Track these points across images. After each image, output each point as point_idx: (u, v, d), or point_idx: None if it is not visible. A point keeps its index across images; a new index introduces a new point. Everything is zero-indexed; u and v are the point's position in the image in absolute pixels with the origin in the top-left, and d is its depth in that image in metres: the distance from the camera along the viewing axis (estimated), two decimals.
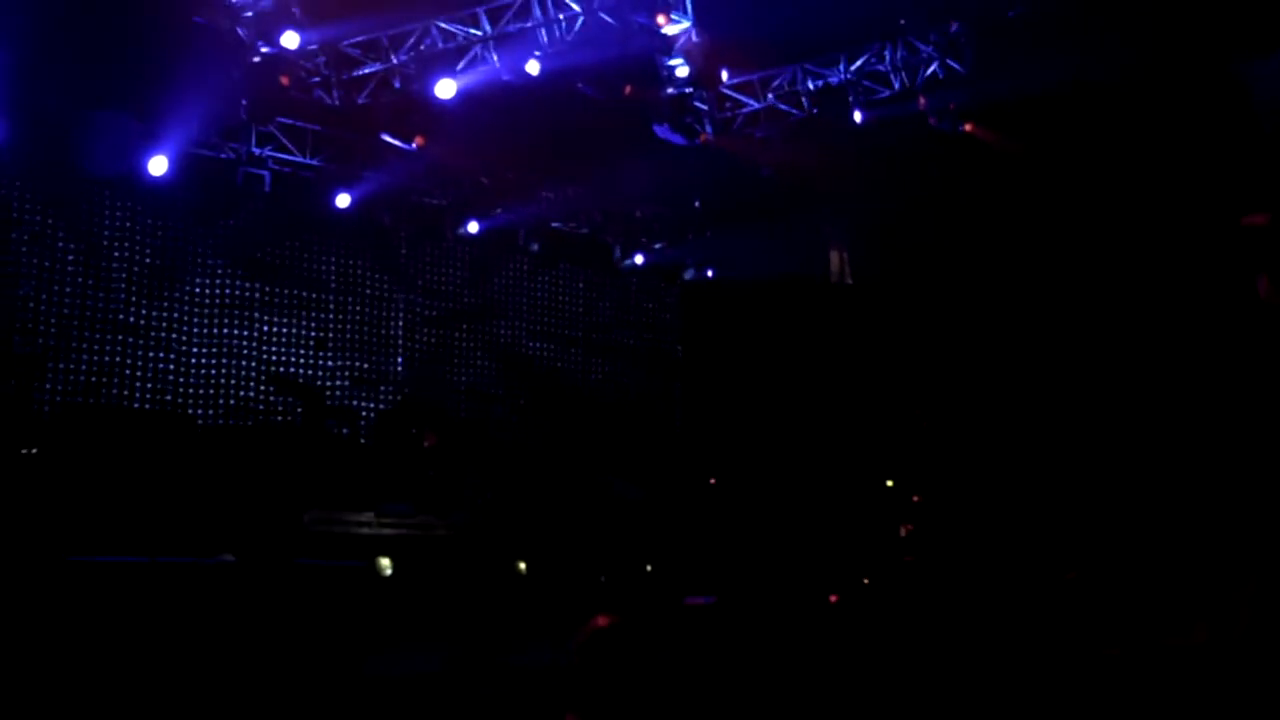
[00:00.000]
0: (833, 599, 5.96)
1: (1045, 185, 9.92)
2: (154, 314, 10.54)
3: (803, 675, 4.69)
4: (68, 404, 9.91)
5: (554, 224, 12.85)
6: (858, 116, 11.04)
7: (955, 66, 10.54)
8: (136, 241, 10.55)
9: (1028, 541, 8.37)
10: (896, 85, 10.87)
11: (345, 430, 9.80)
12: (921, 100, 10.73)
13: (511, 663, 5.00)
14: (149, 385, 10.39)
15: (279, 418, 10.09)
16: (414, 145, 10.50)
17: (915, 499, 9.63)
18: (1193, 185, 9.08)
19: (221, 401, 10.73)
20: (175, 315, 10.67)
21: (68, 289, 10.13)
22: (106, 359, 10.22)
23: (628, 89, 10.24)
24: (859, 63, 10.87)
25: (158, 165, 10.12)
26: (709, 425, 12.08)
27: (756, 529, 8.25)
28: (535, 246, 12.63)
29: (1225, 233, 8.85)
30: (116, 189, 10.43)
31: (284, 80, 9.53)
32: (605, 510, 10.38)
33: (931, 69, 10.65)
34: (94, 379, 10.08)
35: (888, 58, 10.77)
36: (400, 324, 12.09)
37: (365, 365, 11.71)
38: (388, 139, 10.58)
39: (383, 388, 11.45)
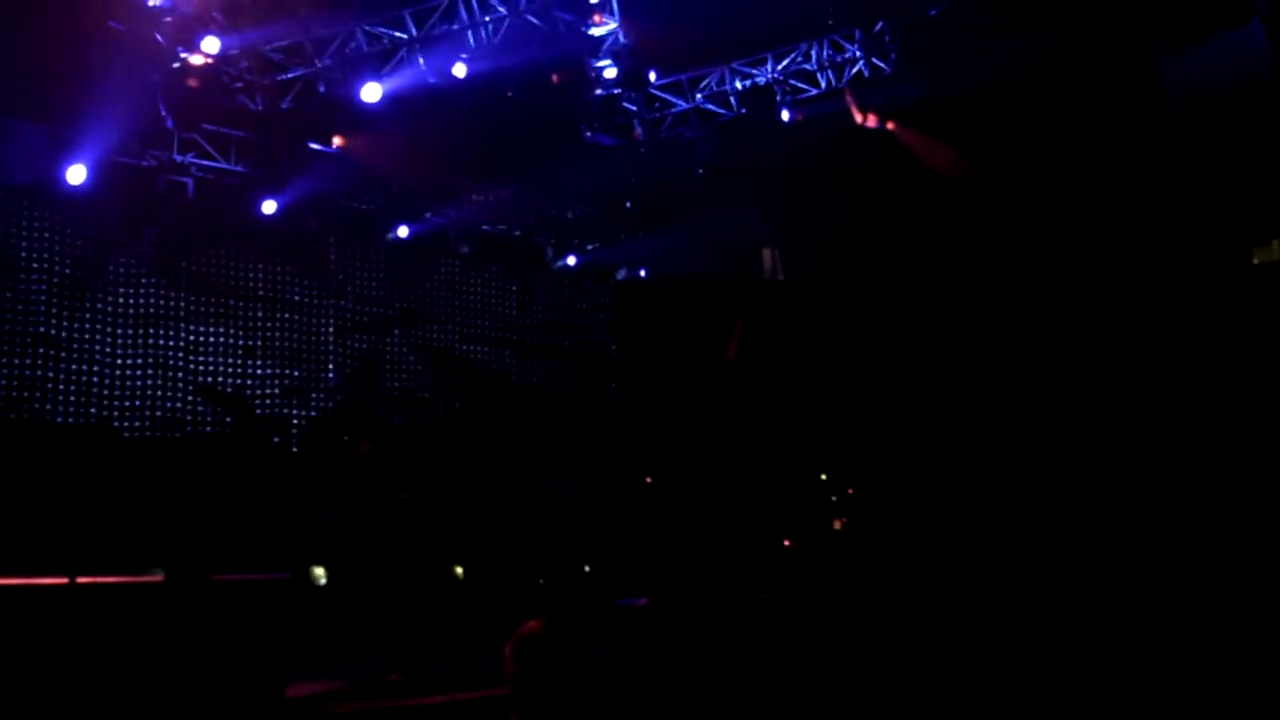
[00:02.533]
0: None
1: (968, 185, 10.07)
2: (75, 325, 10.32)
3: (736, 675, 4.71)
4: None
5: (485, 226, 12.79)
6: (785, 115, 11.14)
7: (880, 65, 10.68)
8: (55, 252, 10.31)
9: (961, 531, 8.49)
10: (823, 84, 10.98)
11: (276, 439, 9.67)
12: (847, 99, 10.86)
13: (446, 670, 4.97)
14: (72, 399, 10.17)
15: (208, 428, 9.93)
16: (334, 146, 10.40)
17: (849, 491, 9.73)
18: (1115, 178, 9.26)
19: (148, 414, 10.53)
20: (98, 326, 10.45)
21: None
22: (27, 373, 9.98)
23: (555, 77, 10.22)
24: (786, 62, 10.97)
25: (76, 174, 9.91)
26: (644, 424, 12.10)
27: (691, 528, 8.28)
28: (465, 249, 12.56)
29: (1145, 224, 9.07)
30: (34, 198, 10.18)
31: (192, 83, 9.36)
32: (540, 512, 10.36)
33: (857, 68, 10.78)
34: (14, 394, 9.85)
35: (814, 57, 10.87)
36: (330, 330, 11.96)
37: (296, 373, 11.56)
38: (314, 145, 10.47)
39: (314, 395, 11.31)
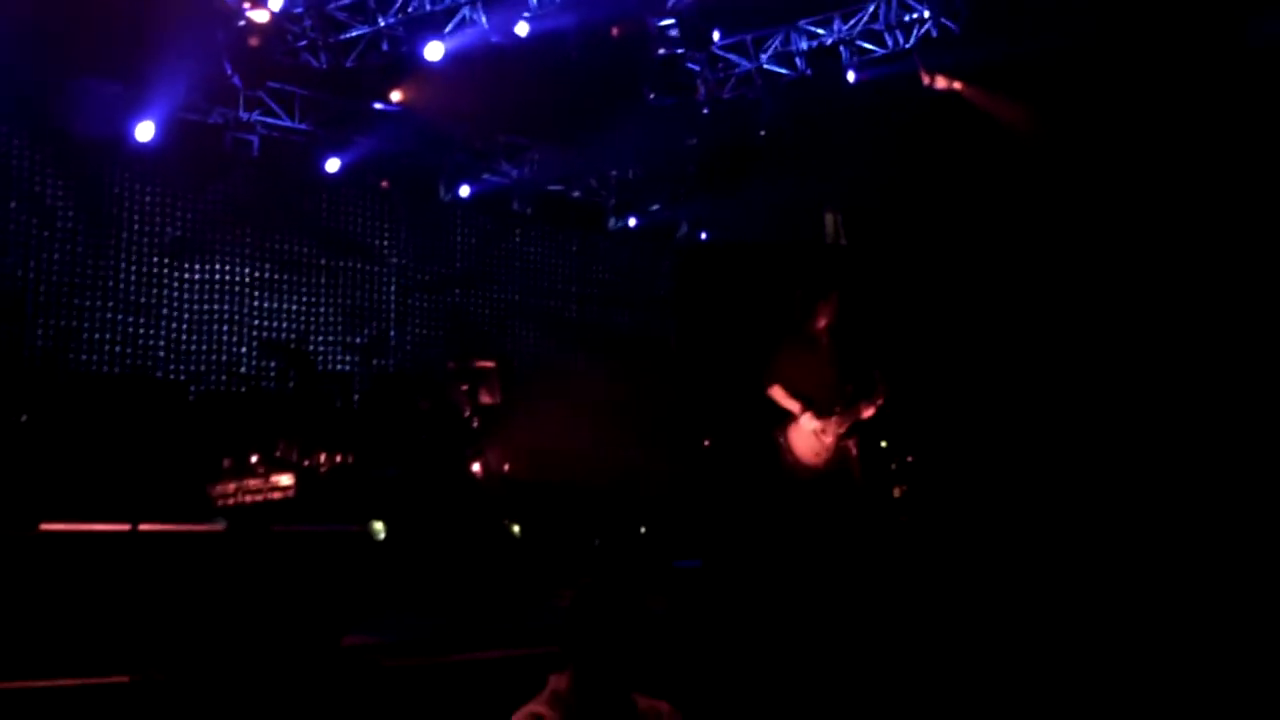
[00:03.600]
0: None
1: (1041, 148, 9.84)
2: (141, 281, 10.46)
3: (793, 639, 4.69)
4: (60, 370, 9.88)
5: (546, 186, 12.77)
6: (851, 77, 10.97)
7: (950, 25, 10.45)
8: (125, 207, 10.46)
9: (1021, 505, 8.37)
10: (891, 44, 10.78)
11: (338, 397, 9.77)
12: (916, 61, 10.65)
13: (504, 628, 5.00)
14: (135, 351, 10.34)
15: (271, 384, 10.05)
16: (394, 102, 10.42)
17: (909, 459, 9.62)
18: (1193, 154, 9.00)
19: (212, 369, 10.69)
20: (165, 282, 10.60)
21: (55, 255, 10.06)
22: (95, 324, 10.16)
23: (615, 30, 10.12)
24: (853, 22, 10.78)
25: (145, 131, 10.02)
26: (704, 387, 12.04)
27: (748, 492, 8.23)
28: (528, 210, 12.56)
29: (1228, 204, 8.80)
30: (107, 154, 10.33)
31: (256, 41, 9.42)
32: (595, 473, 10.37)
33: (926, 28, 10.56)
34: (81, 344, 10.03)
35: (882, 16, 10.67)
36: (393, 289, 12.03)
37: (358, 331, 11.66)
38: (377, 105, 10.51)
39: (375, 354, 11.39)
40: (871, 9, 10.65)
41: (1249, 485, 7.41)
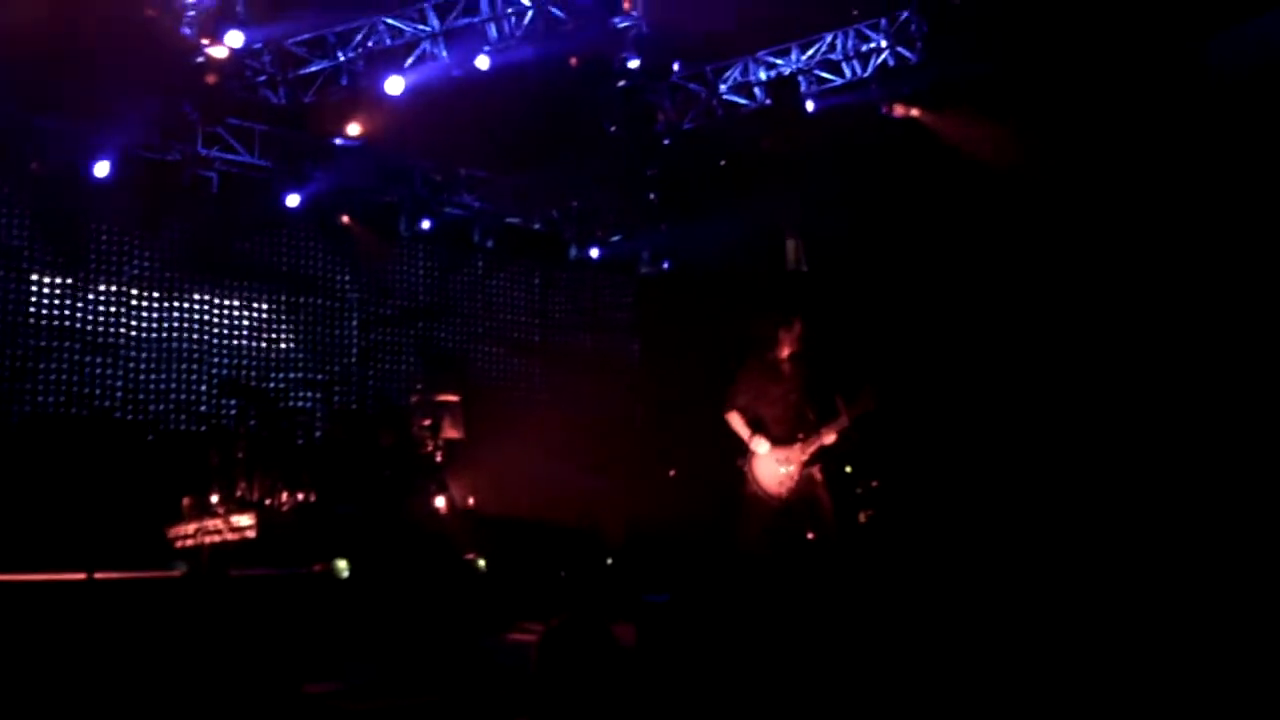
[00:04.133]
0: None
1: (1001, 171, 9.94)
2: (99, 319, 10.36)
3: (762, 670, 4.66)
4: (15, 410, 9.75)
5: (507, 219, 12.76)
6: (810, 105, 11.06)
7: (906, 54, 10.57)
8: (83, 245, 10.36)
9: (987, 526, 8.40)
10: (849, 74, 10.88)
11: (299, 432, 9.69)
12: (874, 89, 10.76)
13: (463, 665, 4.95)
14: (93, 391, 10.21)
15: (230, 423, 9.95)
16: (353, 136, 10.40)
17: (874, 484, 9.64)
18: (1150, 169, 9.13)
19: (171, 408, 10.58)
20: (121, 319, 10.49)
21: (11, 294, 9.94)
22: (51, 366, 10.03)
23: (574, 60, 10.16)
24: (811, 52, 10.88)
25: (101, 168, 9.95)
26: (668, 416, 12.04)
27: (714, 522, 8.22)
28: (489, 242, 12.54)
29: (1178, 215, 8.92)
30: (66, 191, 10.24)
31: (215, 77, 9.40)
32: (562, 506, 10.34)
33: (883, 57, 10.67)
34: (32, 386, 9.90)
35: (840, 46, 10.77)
36: (354, 324, 11.97)
37: (319, 367, 11.58)
38: (338, 141, 10.50)
39: (337, 389, 11.32)
40: (829, 39, 10.75)
41: (1211, 511, 7.49)
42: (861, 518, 9.42)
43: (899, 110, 10.81)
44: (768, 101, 11.25)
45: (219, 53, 9.44)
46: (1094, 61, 9.18)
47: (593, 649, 3.24)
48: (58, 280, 10.19)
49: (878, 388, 7.56)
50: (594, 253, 13.26)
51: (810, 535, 7.55)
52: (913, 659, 5.45)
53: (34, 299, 10.06)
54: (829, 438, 7.47)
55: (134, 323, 10.55)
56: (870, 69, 10.75)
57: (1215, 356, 8.54)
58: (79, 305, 10.27)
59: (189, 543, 8.87)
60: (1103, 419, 8.94)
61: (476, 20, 9.94)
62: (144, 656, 3.82)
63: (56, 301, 10.16)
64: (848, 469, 9.17)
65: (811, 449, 7.44)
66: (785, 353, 7.62)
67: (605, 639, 3.27)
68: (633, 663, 4.62)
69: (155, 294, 10.72)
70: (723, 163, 11.96)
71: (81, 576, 3.82)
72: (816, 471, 7.49)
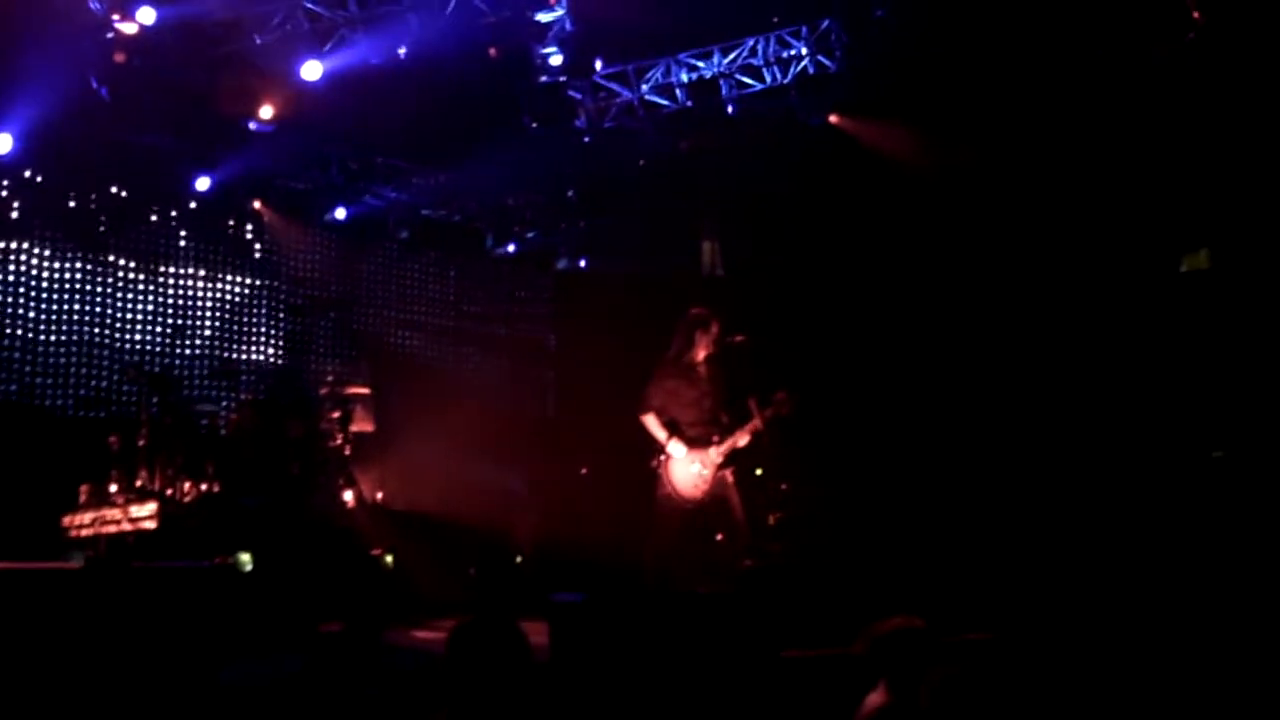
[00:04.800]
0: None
1: (916, 174, 10.11)
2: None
3: (674, 671, 4.68)
4: None
5: (424, 211, 12.62)
6: (730, 109, 11.13)
7: (826, 63, 10.69)
8: None
9: (895, 531, 8.54)
10: (769, 79, 10.98)
11: (204, 421, 9.47)
12: (793, 95, 10.87)
13: (376, 664, 4.89)
14: None
15: (133, 409, 9.68)
16: (264, 119, 10.18)
17: (784, 487, 9.73)
18: (1049, 177, 9.37)
19: (71, 392, 10.27)
20: (20, 299, 10.16)
21: None
22: None
23: (493, 51, 10.07)
24: (732, 56, 10.94)
25: (2, 144, 9.61)
26: (582, 415, 12.03)
27: (629, 520, 8.24)
28: (405, 233, 12.39)
29: (1074, 228, 9.17)
30: None
31: (125, 54, 9.15)
32: (476, 501, 10.28)
33: (803, 64, 10.78)
34: None
35: (761, 52, 10.86)
36: (263, 311, 11.74)
37: (226, 354, 11.35)
38: (251, 125, 10.27)
39: (244, 378, 11.07)
40: (750, 44, 10.83)
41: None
42: (770, 520, 9.50)
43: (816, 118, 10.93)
44: (689, 103, 11.30)
45: (129, 28, 9.18)
46: (1016, 70, 9.36)
47: (502, 646, 3.23)
48: None
49: (791, 391, 7.66)
50: (511, 248, 13.18)
51: (720, 537, 7.62)
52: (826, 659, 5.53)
53: None
54: (742, 440, 7.55)
55: (32, 305, 10.21)
56: (790, 75, 10.85)
57: (1117, 357, 8.81)
58: None
59: (86, 532, 8.63)
60: (1020, 420, 9.16)
61: (397, 8, 9.81)
62: (40, 650, 3.70)
63: None
64: (758, 471, 9.25)
65: (725, 451, 7.50)
66: (701, 355, 7.66)
67: (514, 637, 3.27)
68: (543, 662, 4.61)
69: (57, 275, 10.39)
70: (642, 163, 11.97)
71: None
72: (728, 473, 7.55)
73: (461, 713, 3.18)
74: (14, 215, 10.22)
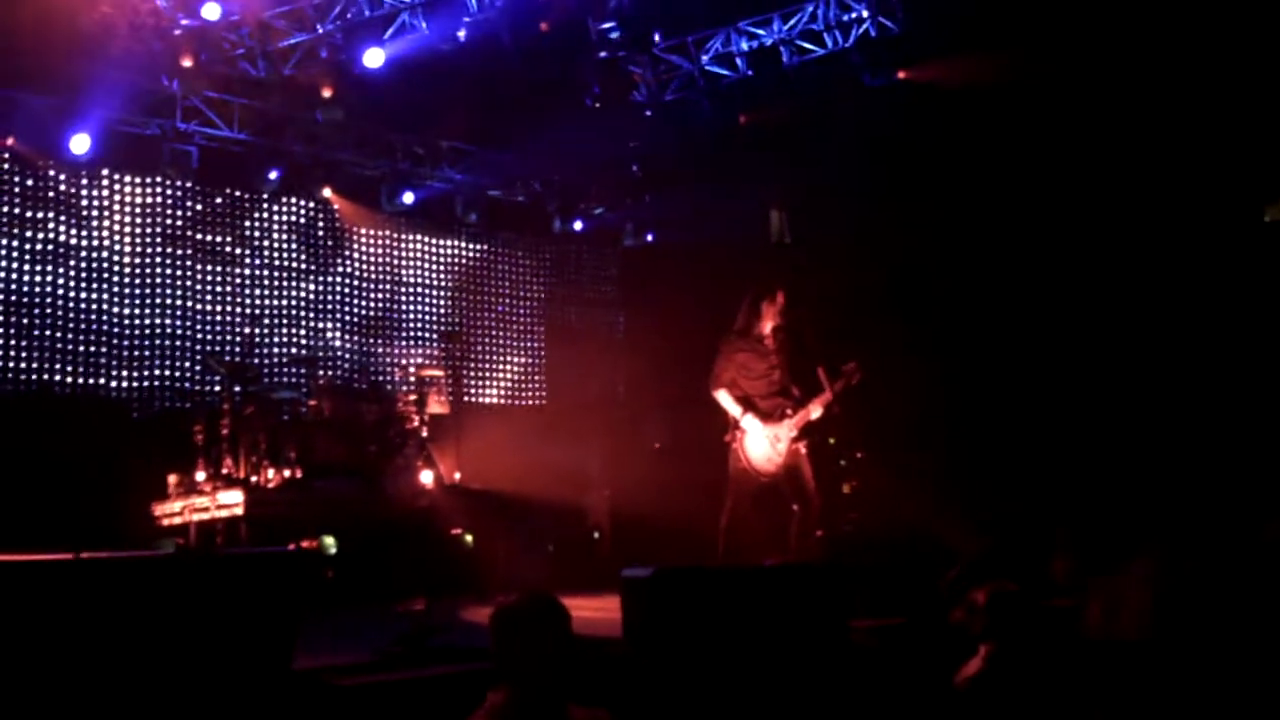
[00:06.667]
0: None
1: (983, 140, 9.94)
2: (80, 298, 10.32)
3: (744, 644, 4.71)
4: None
5: (490, 192, 12.71)
6: (791, 76, 11.04)
7: (888, 24, 10.55)
8: (62, 222, 10.31)
9: (971, 498, 8.46)
10: (830, 44, 10.86)
11: (284, 408, 9.68)
12: (855, 57, 10.75)
13: (451, 641, 4.99)
14: (76, 369, 10.19)
15: (216, 400, 9.93)
16: (334, 108, 10.31)
17: (859, 455, 9.67)
18: (1123, 131, 9.14)
19: (156, 385, 10.56)
20: (104, 296, 10.46)
21: None
22: (33, 344, 10.00)
23: (544, 25, 10.07)
24: (792, 22, 10.84)
25: (80, 144, 9.88)
26: (653, 390, 12.07)
27: (703, 495, 8.26)
28: (473, 216, 12.50)
29: (1155, 179, 8.95)
30: (43, 168, 10.18)
31: (193, 50, 9.33)
32: (553, 480, 10.37)
33: (864, 27, 10.65)
34: (19, 364, 9.88)
35: (820, 16, 10.74)
36: (338, 299, 11.94)
37: (303, 341, 11.57)
38: (319, 115, 10.43)
39: (321, 364, 11.27)
40: (810, 9, 10.72)
41: None
42: (845, 489, 9.45)
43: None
44: (749, 72, 11.22)
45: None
46: (1090, 13, 9.11)
47: (542, 623, 3.31)
48: (39, 259, 10.13)
49: (861, 361, 7.60)
50: (577, 225, 13.23)
51: (795, 508, 7.60)
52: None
53: (15, 278, 10.01)
54: (815, 412, 7.52)
55: (116, 301, 10.50)
56: (852, 39, 10.72)
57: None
58: (60, 284, 10.22)
59: (176, 521, 8.89)
60: (1100, 379, 9.01)
61: None
62: (132, 636, 3.83)
63: (39, 280, 10.11)
64: (831, 440, 9.19)
65: (799, 424, 7.48)
66: (768, 326, 7.63)
67: (555, 612, 3.34)
68: (615, 637, 4.67)
69: (139, 271, 10.67)
70: (706, 134, 11.91)
71: (68, 556, 3.83)
72: (802, 445, 7.53)
73: (517, 687, 3.26)
74: (93, 213, 10.49)
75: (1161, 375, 8.74)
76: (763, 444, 7.40)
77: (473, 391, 12.46)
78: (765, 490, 7.49)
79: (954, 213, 10.11)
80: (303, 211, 11.80)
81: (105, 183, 10.60)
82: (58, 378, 10.04)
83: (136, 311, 10.60)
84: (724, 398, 7.51)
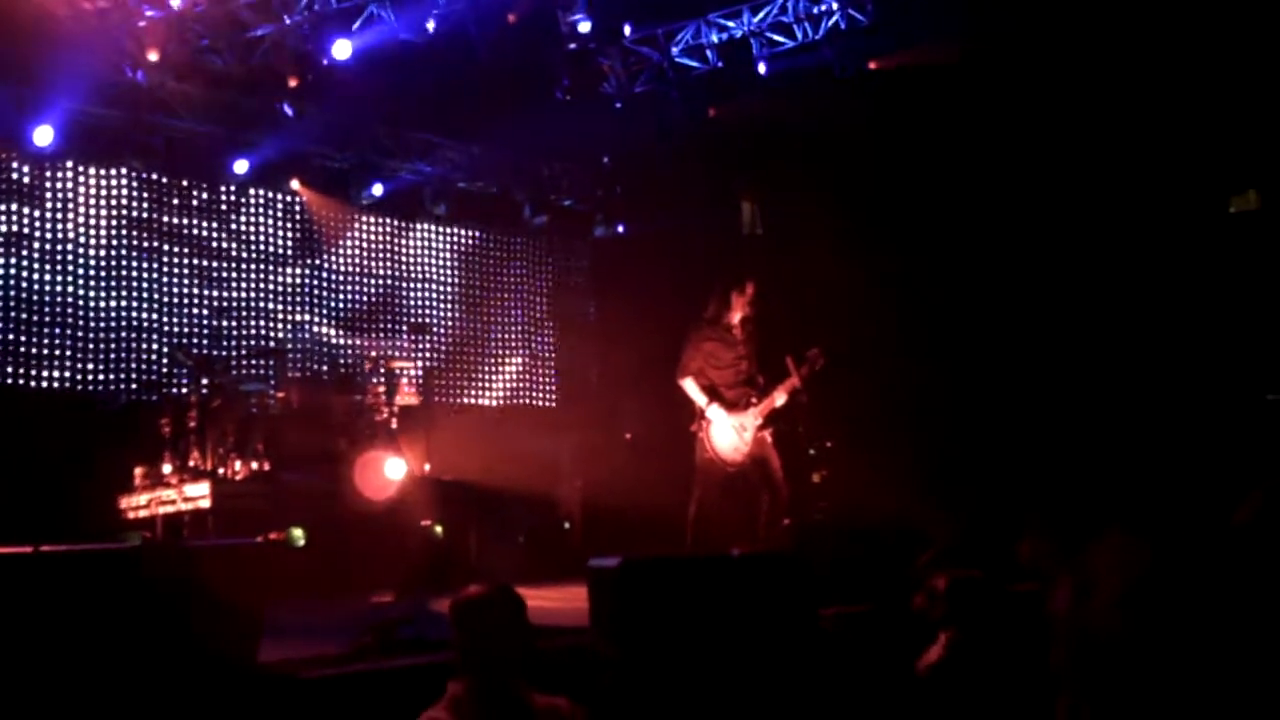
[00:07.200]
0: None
1: (952, 131, 9.99)
2: (43, 290, 10.21)
3: (711, 633, 4.72)
4: None
5: (461, 184, 12.67)
6: (762, 68, 11.06)
7: (858, 17, 10.58)
8: (24, 214, 10.19)
9: (941, 485, 8.51)
10: (800, 36, 10.89)
11: (252, 401, 9.62)
12: (826, 50, 10.78)
13: (418, 633, 4.98)
14: (45, 361, 10.09)
15: (182, 391, 9.86)
16: (301, 99, 10.27)
17: (828, 445, 9.71)
18: (1086, 124, 9.22)
19: (123, 377, 10.47)
20: (69, 290, 10.35)
21: None
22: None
23: (511, 17, 10.05)
24: (762, 14, 10.86)
25: (43, 135, 9.77)
26: (624, 381, 12.08)
27: (673, 485, 8.28)
28: (442, 207, 12.45)
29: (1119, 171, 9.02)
30: (4, 159, 10.06)
31: (159, 40, 9.25)
32: (523, 471, 10.36)
33: (834, 19, 10.68)
34: None
35: (791, 9, 10.77)
36: (306, 290, 11.87)
37: (271, 333, 11.50)
38: (286, 106, 10.37)
39: (290, 356, 11.21)
40: (781, 2, 10.74)
41: None
42: (815, 478, 9.49)
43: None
44: (719, 64, 11.24)
45: (161, 16, 9.28)
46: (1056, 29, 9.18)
47: (500, 614, 3.33)
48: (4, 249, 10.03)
49: (829, 349, 7.64)
50: (547, 217, 13.19)
51: (765, 497, 7.63)
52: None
53: None
54: (780, 399, 7.55)
55: (79, 293, 10.40)
56: (822, 31, 10.75)
57: None
58: (22, 276, 10.11)
59: (143, 513, 8.83)
60: (1065, 367, 9.08)
61: None
62: (95, 630, 3.81)
63: (1, 270, 10.00)
64: (800, 429, 9.21)
65: (764, 412, 7.51)
66: (737, 317, 7.65)
67: (511, 603, 3.37)
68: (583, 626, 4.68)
69: (103, 263, 10.57)
70: (676, 126, 11.92)
71: (27, 549, 3.80)
72: (768, 434, 7.56)
73: (476, 677, 3.27)
74: (58, 204, 10.38)
75: (1130, 362, 8.82)
76: (729, 433, 7.43)
77: (443, 382, 12.43)
78: (733, 480, 7.52)
79: (924, 203, 10.17)
80: (270, 204, 11.72)
81: (70, 174, 10.47)
82: (21, 369, 9.92)
83: (102, 304, 10.50)
84: (690, 387, 7.53)
